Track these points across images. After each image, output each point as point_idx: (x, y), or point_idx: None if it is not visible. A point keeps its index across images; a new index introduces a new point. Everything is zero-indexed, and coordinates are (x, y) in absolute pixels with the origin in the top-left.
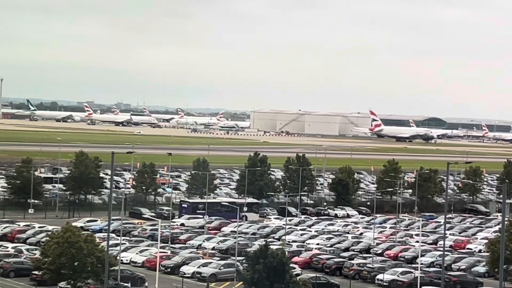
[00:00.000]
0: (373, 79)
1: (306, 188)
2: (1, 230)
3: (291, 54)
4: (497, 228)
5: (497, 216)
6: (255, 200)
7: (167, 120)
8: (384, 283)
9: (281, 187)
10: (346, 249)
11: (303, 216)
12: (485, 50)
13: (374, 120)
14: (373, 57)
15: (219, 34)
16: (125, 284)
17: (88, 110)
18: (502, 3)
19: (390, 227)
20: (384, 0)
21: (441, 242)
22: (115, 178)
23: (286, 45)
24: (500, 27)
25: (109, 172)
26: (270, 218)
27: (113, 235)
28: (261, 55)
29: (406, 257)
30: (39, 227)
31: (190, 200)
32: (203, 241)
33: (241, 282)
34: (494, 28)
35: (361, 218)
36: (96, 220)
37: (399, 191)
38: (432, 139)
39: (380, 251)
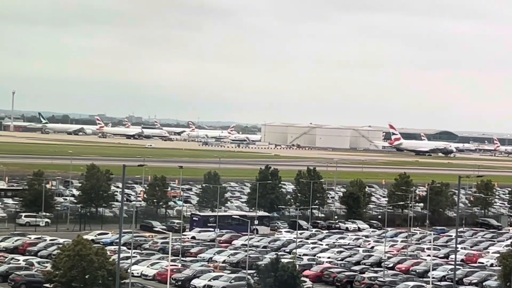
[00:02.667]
0: (384, 93)
1: (317, 201)
2: (13, 243)
3: (301, 67)
4: (509, 242)
5: (509, 230)
6: (266, 213)
7: (178, 133)
8: None
9: (292, 200)
10: (357, 263)
11: (314, 230)
12: (496, 63)
13: (393, 134)
14: (383, 70)
15: (230, 48)
16: None
17: (99, 123)
18: None
19: (402, 241)
20: (393, 14)
21: (453, 256)
22: (126, 191)
23: (296, 58)
24: (511, 40)
25: (120, 185)
26: (281, 231)
27: (124, 248)
28: (272, 69)
29: (417, 271)
30: (50, 240)
31: (201, 213)
32: (214, 254)
33: None
34: (505, 41)
35: (372, 231)
36: (107, 233)
37: (410, 205)
38: (451, 153)
39: (391, 265)
